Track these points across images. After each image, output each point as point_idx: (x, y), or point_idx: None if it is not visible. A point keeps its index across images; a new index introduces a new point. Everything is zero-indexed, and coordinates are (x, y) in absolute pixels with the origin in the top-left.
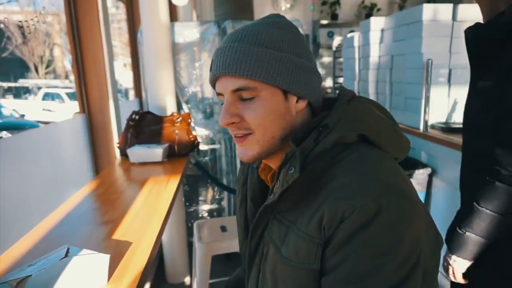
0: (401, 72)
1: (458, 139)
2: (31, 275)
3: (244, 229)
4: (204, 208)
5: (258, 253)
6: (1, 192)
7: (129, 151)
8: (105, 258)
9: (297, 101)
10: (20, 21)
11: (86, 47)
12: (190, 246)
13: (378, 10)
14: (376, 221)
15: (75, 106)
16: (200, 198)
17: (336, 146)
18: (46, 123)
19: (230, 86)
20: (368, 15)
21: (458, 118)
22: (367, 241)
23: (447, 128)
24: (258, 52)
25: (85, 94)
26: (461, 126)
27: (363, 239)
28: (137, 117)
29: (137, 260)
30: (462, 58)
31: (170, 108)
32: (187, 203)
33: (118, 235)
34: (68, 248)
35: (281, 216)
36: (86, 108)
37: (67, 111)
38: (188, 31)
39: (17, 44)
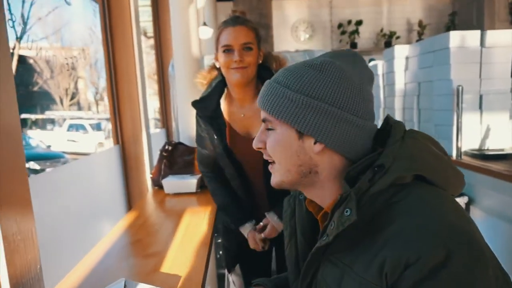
0: (429, 99)
1: (495, 166)
2: None
3: (295, 266)
4: None
5: None
6: (42, 225)
7: (164, 182)
8: None
9: (314, 143)
10: (54, 55)
11: (121, 79)
12: (219, 278)
13: (398, 37)
14: (445, 270)
15: (98, 136)
16: None
17: (391, 186)
18: (71, 153)
19: (260, 116)
20: (387, 43)
21: (492, 144)
22: None
23: (481, 155)
24: (278, 92)
25: (119, 126)
26: (496, 153)
27: None
28: (170, 148)
29: None
30: (494, 83)
31: None
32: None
33: (165, 268)
34: (125, 282)
35: (335, 258)
36: (120, 139)
37: (91, 141)
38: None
39: (46, 79)
